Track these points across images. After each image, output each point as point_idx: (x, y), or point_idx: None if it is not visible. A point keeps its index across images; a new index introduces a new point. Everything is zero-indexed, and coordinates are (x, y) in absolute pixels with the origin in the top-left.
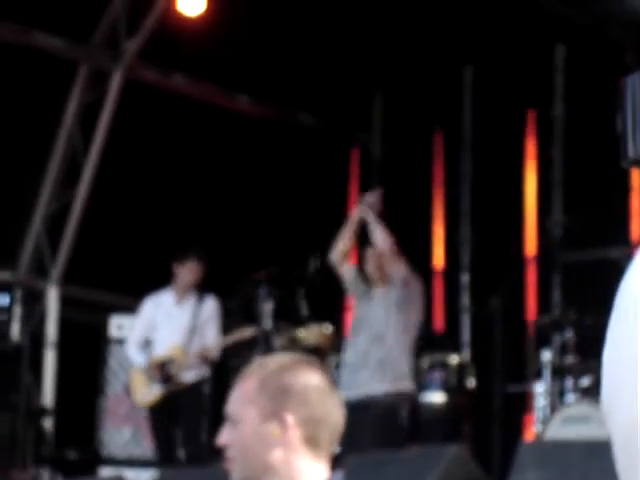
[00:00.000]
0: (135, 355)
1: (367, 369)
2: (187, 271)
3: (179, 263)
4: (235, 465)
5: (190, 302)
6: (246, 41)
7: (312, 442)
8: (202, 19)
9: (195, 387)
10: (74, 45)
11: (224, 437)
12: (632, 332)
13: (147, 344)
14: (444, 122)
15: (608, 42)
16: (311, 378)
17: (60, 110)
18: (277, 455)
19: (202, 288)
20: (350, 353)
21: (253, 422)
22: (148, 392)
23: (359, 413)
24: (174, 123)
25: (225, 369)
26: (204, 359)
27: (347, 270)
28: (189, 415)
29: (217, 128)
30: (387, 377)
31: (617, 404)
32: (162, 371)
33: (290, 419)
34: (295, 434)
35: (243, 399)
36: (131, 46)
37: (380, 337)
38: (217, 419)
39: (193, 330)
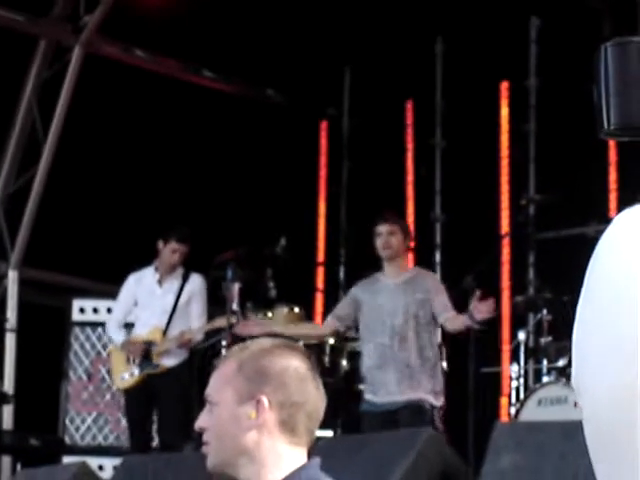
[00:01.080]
0: (115, 334)
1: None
2: (169, 251)
3: (162, 242)
4: (210, 448)
5: (174, 282)
6: (210, 15)
7: (288, 426)
8: None
9: (173, 372)
10: (33, 19)
11: (201, 420)
12: (602, 310)
13: (127, 325)
14: (415, 95)
15: (584, 12)
16: (290, 362)
17: (18, 87)
18: (251, 438)
19: (187, 267)
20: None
21: (229, 404)
22: (126, 374)
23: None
24: (137, 99)
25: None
26: (185, 342)
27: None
28: (165, 401)
29: (182, 104)
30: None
31: (587, 382)
32: (142, 352)
33: (265, 402)
34: (270, 417)
35: (221, 381)
36: (91, 20)
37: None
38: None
39: (175, 311)
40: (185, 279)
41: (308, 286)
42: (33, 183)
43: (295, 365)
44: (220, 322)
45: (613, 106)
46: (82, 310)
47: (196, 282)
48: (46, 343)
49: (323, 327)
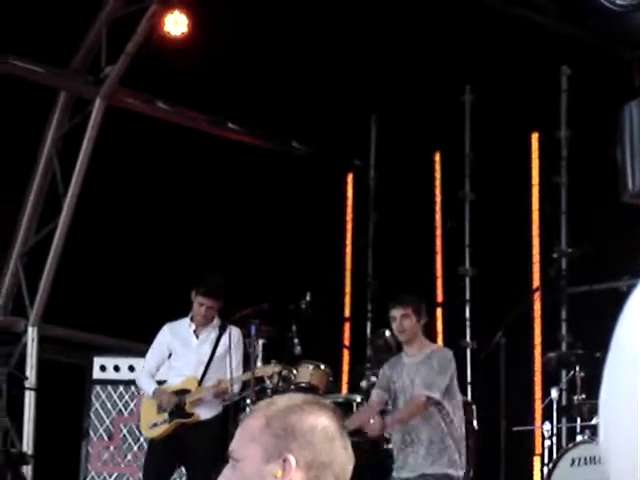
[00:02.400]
0: (147, 383)
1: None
2: (197, 304)
3: (194, 292)
4: None
5: (210, 333)
6: (234, 66)
7: None
8: (186, 44)
9: (206, 424)
10: (53, 71)
11: (223, 477)
12: (630, 372)
13: (159, 382)
14: (443, 145)
15: (615, 61)
16: (319, 420)
17: (38, 139)
18: None
19: (224, 318)
20: None
21: (254, 461)
22: (156, 423)
23: None
24: (159, 152)
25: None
26: (221, 392)
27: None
28: (196, 455)
29: (205, 157)
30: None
31: (615, 445)
32: (174, 398)
33: (293, 461)
34: (297, 477)
35: (246, 437)
36: (112, 71)
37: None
38: None
39: (211, 362)
40: (222, 330)
41: (334, 342)
42: (53, 238)
43: (324, 424)
44: (261, 371)
45: (637, 168)
46: (103, 368)
47: (234, 334)
48: (66, 402)
49: (373, 404)
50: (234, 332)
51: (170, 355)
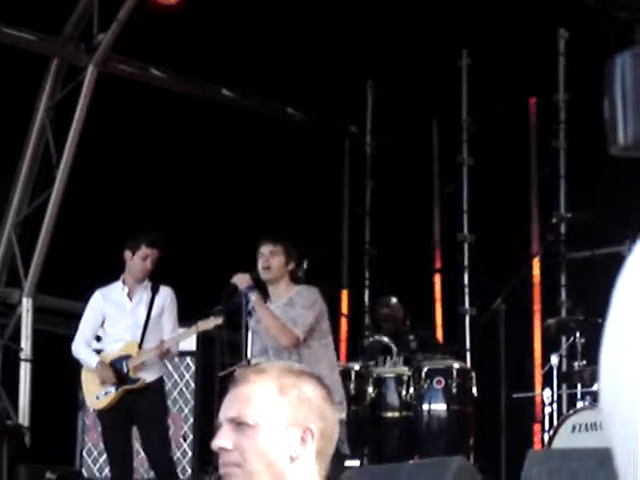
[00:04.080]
0: (86, 354)
1: None
2: (139, 259)
3: (129, 251)
4: (243, 472)
5: (143, 295)
6: (228, 32)
7: (321, 457)
8: (179, 9)
9: (153, 387)
10: (44, 38)
11: (226, 441)
12: (631, 335)
13: (98, 341)
14: (440, 111)
15: (614, 24)
16: (323, 392)
17: (30, 108)
18: (293, 466)
19: (155, 278)
20: None
21: (272, 428)
22: (101, 393)
23: None
24: (153, 119)
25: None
26: (162, 354)
27: None
28: (149, 418)
29: (200, 124)
30: None
31: (617, 408)
32: (116, 370)
33: (315, 431)
34: (312, 447)
35: (259, 402)
36: (105, 38)
37: None
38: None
39: (147, 324)
40: (154, 292)
41: (332, 310)
42: (47, 208)
43: (326, 395)
44: (203, 325)
45: (631, 120)
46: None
47: (167, 294)
48: (62, 373)
49: None
50: (167, 292)
51: (104, 322)
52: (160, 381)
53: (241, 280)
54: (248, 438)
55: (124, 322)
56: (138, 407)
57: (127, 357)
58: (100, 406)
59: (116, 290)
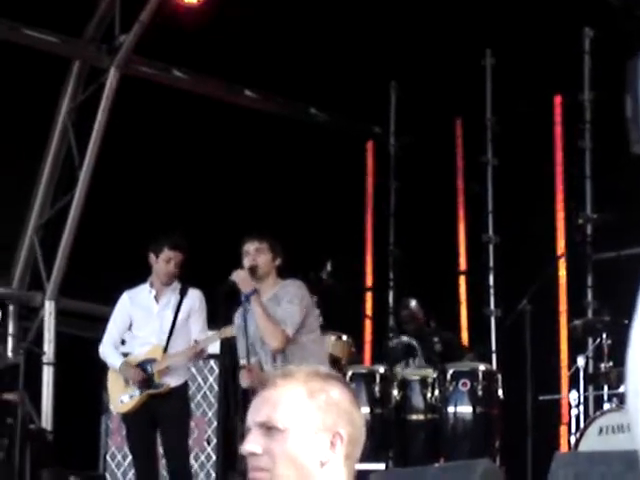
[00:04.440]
0: (112, 356)
1: None
2: (163, 262)
3: (153, 254)
4: (271, 476)
5: (171, 298)
6: (250, 33)
7: (349, 462)
8: (202, 9)
9: (178, 392)
10: (66, 40)
11: (255, 445)
12: None
13: (123, 344)
14: (464, 110)
15: (637, 22)
16: (350, 395)
17: (52, 110)
18: (323, 470)
19: (184, 280)
20: None
21: (303, 433)
22: (125, 397)
23: None
24: (175, 120)
25: None
26: (197, 354)
27: None
28: (171, 423)
29: (223, 125)
30: None
31: None
32: (141, 373)
33: (345, 435)
34: (341, 451)
35: (289, 406)
36: (127, 40)
37: None
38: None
39: (174, 328)
40: (183, 294)
41: (356, 312)
42: (69, 210)
43: (354, 399)
44: (227, 332)
45: None
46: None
47: (195, 297)
48: (85, 376)
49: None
50: (196, 294)
51: (131, 325)
52: (184, 386)
53: (241, 278)
54: (278, 442)
55: (151, 325)
56: (161, 412)
57: (152, 361)
58: (124, 410)
59: (143, 292)
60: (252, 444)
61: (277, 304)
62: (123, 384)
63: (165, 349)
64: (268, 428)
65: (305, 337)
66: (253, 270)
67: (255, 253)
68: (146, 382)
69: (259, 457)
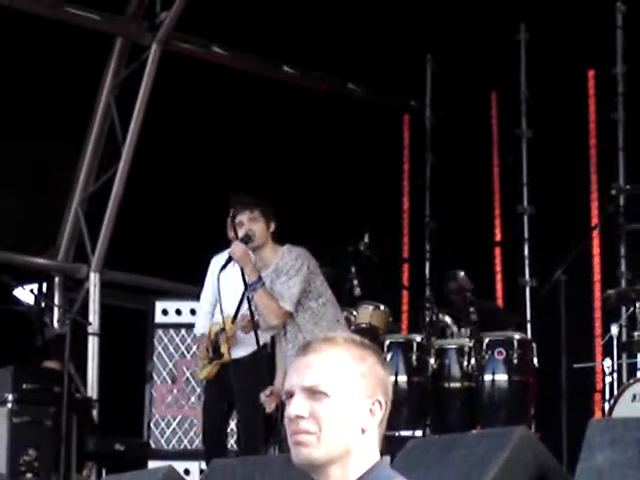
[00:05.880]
0: (198, 326)
1: None
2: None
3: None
4: (318, 439)
5: None
6: (289, 9)
7: (380, 428)
8: None
9: (242, 362)
10: (109, 18)
11: (303, 408)
12: None
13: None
14: (499, 84)
15: None
16: (384, 364)
17: (96, 87)
18: (364, 437)
19: None
20: None
21: (347, 398)
22: (204, 364)
23: None
24: (216, 96)
25: None
26: (242, 327)
27: None
28: (239, 392)
29: (261, 101)
30: None
31: None
32: (207, 342)
33: (383, 403)
34: (378, 418)
35: (334, 372)
36: (168, 17)
37: None
38: None
39: (243, 296)
40: None
41: (393, 283)
42: (113, 184)
43: (385, 366)
44: None
45: None
46: (165, 312)
47: None
48: (129, 346)
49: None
50: None
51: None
52: (251, 356)
53: (239, 254)
54: (324, 407)
55: (228, 293)
56: (231, 382)
57: (223, 330)
58: (201, 376)
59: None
60: (299, 407)
61: (278, 277)
62: (205, 352)
63: (234, 319)
64: (313, 392)
65: (314, 302)
66: (249, 239)
67: (249, 222)
68: (214, 351)
69: (305, 420)
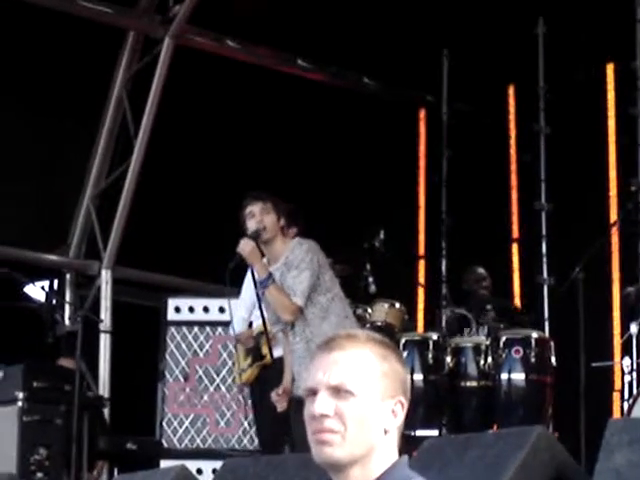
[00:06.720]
0: (234, 328)
1: None
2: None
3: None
4: (342, 438)
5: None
6: (303, 2)
7: (399, 429)
8: None
9: (280, 362)
10: (121, 11)
11: (328, 407)
12: None
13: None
14: (516, 78)
15: None
16: (404, 363)
17: (108, 80)
18: (386, 437)
19: None
20: None
21: (372, 398)
22: (244, 368)
23: None
24: (229, 90)
25: None
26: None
27: None
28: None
29: (275, 95)
30: None
31: None
32: (253, 343)
33: (405, 404)
34: (400, 419)
35: (360, 371)
36: (181, 10)
37: None
38: None
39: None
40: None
41: (409, 280)
42: (125, 179)
43: (405, 366)
44: None
45: None
46: (178, 309)
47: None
48: (141, 344)
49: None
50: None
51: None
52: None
53: (248, 251)
54: (350, 406)
55: None
56: (268, 382)
57: (262, 333)
58: (242, 380)
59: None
60: (324, 406)
61: (288, 271)
62: (244, 355)
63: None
64: (339, 391)
65: (323, 297)
66: (259, 234)
67: (261, 214)
68: (255, 354)
69: (330, 419)
